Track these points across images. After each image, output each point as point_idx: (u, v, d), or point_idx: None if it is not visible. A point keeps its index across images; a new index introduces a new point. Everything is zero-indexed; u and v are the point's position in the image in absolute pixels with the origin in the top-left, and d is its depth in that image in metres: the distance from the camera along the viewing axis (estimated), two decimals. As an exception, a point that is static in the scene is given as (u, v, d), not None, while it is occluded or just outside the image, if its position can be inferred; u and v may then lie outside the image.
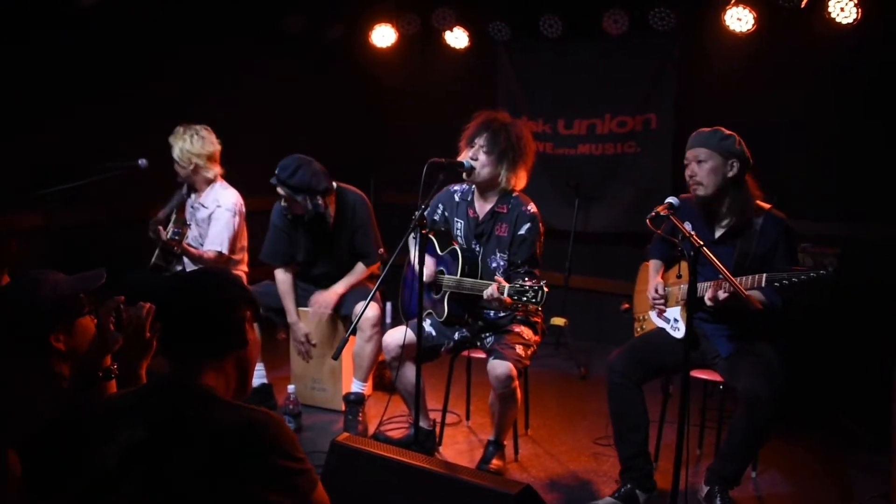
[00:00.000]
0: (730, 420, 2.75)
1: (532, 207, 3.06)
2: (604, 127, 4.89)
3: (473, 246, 3.14)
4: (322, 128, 5.47)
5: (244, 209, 3.79)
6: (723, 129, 2.76)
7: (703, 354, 2.88)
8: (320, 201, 3.43)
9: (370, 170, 5.88)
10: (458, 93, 5.29)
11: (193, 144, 3.64)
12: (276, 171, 3.39)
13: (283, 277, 3.67)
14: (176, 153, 3.65)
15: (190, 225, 3.70)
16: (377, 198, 5.81)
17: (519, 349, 2.98)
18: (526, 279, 2.76)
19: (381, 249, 3.68)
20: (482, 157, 3.00)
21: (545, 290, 2.63)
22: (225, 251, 3.66)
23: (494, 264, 3.08)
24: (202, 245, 3.72)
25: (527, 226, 3.02)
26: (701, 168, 2.74)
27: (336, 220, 3.56)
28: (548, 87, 5.05)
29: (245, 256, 3.89)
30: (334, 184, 3.56)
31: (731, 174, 2.73)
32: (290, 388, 3.51)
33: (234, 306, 1.60)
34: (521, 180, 3.09)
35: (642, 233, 3.19)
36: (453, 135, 3.14)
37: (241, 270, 3.86)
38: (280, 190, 3.41)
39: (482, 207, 3.13)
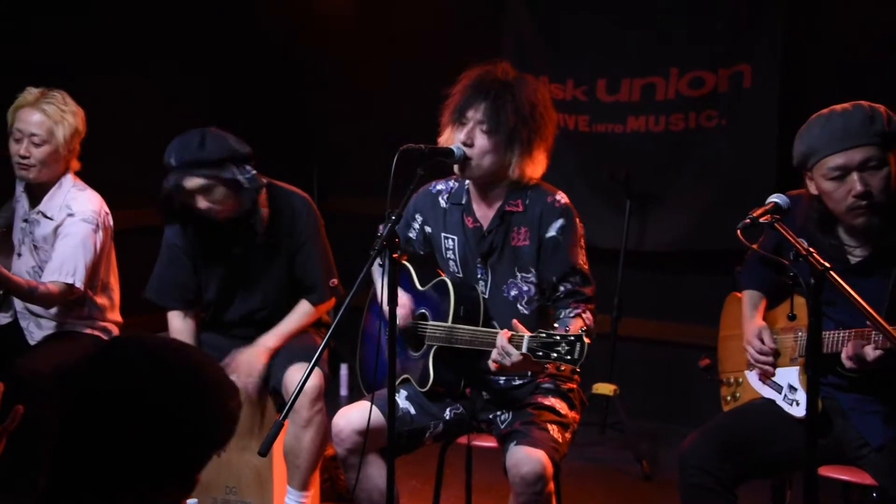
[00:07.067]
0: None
1: (562, 197, 3.09)
2: (668, 89, 4.93)
3: (478, 273, 3.14)
4: (229, 101, 5.44)
5: (112, 223, 3.77)
6: (865, 103, 2.66)
7: (839, 442, 2.82)
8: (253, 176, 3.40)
9: (309, 164, 5.90)
10: (443, 44, 5.29)
11: (76, 122, 3.63)
12: (175, 155, 3.32)
13: (180, 326, 3.67)
14: (56, 141, 3.59)
15: (19, 251, 3.60)
16: (322, 205, 5.79)
17: (554, 431, 2.96)
18: (571, 305, 2.83)
19: (334, 281, 3.69)
20: (481, 139, 3.00)
21: (586, 340, 2.60)
22: (79, 284, 3.57)
23: (515, 292, 3.10)
24: (40, 276, 3.63)
25: (558, 224, 3.04)
26: (875, 179, 2.62)
27: (268, 232, 3.56)
28: (582, 32, 5.08)
29: (114, 301, 3.85)
30: (265, 179, 3.53)
31: None
32: (191, 503, 3.47)
33: (208, 421, 1.58)
34: (538, 168, 3.11)
35: (729, 251, 3.23)
36: (436, 107, 3.13)
37: (109, 323, 3.82)
38: (188, 182, 3.33)
39: (485, 210, 3.15)
